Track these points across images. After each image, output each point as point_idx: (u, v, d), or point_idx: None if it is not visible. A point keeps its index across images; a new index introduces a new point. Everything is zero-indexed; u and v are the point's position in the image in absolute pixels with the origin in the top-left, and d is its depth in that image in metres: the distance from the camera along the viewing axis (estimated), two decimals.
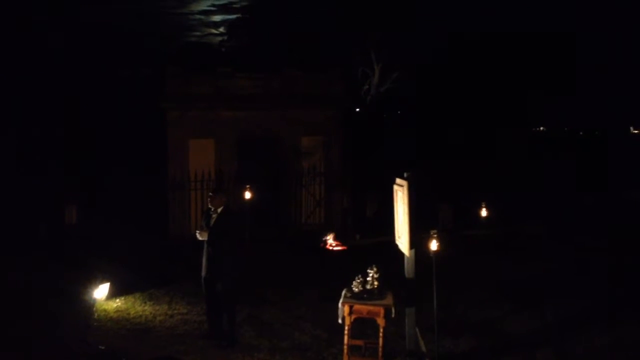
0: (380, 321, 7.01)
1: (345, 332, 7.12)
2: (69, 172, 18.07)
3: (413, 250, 7.20)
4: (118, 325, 8.74)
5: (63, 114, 23.85)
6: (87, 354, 7.65)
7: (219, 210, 7.86)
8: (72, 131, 22.37)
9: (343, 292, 7.30)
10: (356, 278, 7.27)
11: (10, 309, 9.07)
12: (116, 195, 16.39)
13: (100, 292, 9.68)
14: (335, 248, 14.36)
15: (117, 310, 9.37)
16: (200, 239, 7.84)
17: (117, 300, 9.82)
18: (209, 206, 8.01)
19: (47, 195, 15.78)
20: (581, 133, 30.54)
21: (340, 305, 7.19)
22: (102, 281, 9.75)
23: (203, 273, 7.89)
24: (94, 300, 9.53)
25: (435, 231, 7.18)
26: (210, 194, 8.18)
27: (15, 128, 23.49)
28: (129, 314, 9.24)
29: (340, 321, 7.25)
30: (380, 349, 7.05)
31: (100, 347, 7.75)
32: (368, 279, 7.25)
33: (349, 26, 24.32)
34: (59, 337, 8.15)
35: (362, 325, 7.82)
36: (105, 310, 9.35)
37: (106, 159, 19.78)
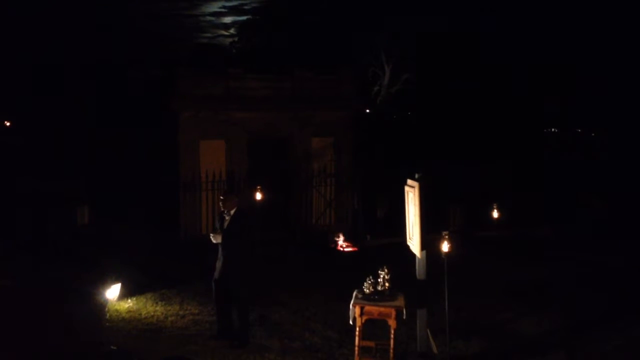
0: (392, 322, 7.01)
1: (356, 333, 7.12)
2: (80, 172, 18.18)
3: (424, 252, 7.20)
4: (130, 326, 8.78)
5: (74, 114, 24.02)
6: (99, 354, 7.69)
7: (232, 212, 7.87)
8: (83, 131, 22.52)
9: (354, 293, 7.30)
10: (367, 279, 7.27)
11: (21, 309, 9.13)
12: (128, 195, 16.46)
13: (112, 292, 9.73)
14: (345, 249, 14.35)
15: (129, 311, 9.41)
16: (214, 242, 7.85)
17: (129, 300, 9.87)
18: (221, 209, 8.02)
19: (59, 195, 15.87)
20: (593, 134, 30.32)
21: (351, 306, 7.20)
22: (114, 281, 9.80)
23: (216, 275, 7.90)
24: (106, 300, 9.57)
25: (446, 232, 7.17)
26: (222, 196, 8.16)
27: (27, 128, 23.70)
28: (140, 314, 9.29)
29: (351, 322, 7.26)
30: (391, 350, 7.04)
31: (112, 347, 7.78)
32: (379, 280, 7.25)
33: (359, 26, 24.34)
34: (71, 337, 8.19)
35: (373, 327, 7.81)
36: (117, 310, 9.40)
37: (118, 159, 19.88)
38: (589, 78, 25.60)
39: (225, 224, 7.86)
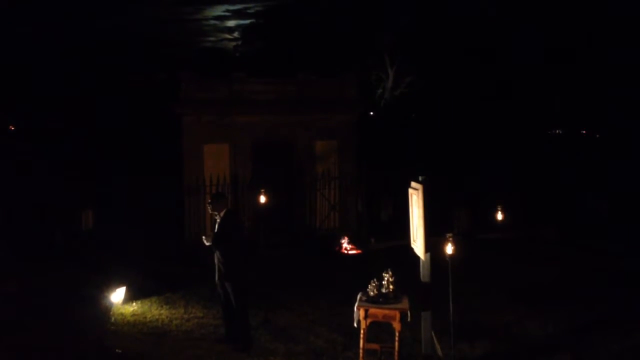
0: (396, 325, 6.99)
1: (361, 336, 7.11)
2: (85, 177, 18.21)
3: (428, 254, 7.20)
4: (135, 329, 8.79)
5: (79, 119, 24.09)
6: (104, 358, 7.70)
7: (222, 214, 7.89)
8: (88, 136, 22.58)
9: (358, 296, 7.30)
10: (371, 282, 7.27)
11: (28, 313, 9.16)
12: (132, 199, 16.50)
13: (117, 296, 9.75)
14: (350, 252, 14.35)
15: (133, 314, 9.42)
16: (206, 244, 7.87)
17: (134, 304, 9.88)
18: (210, 212, 8.04)
19: (63, 200, 15.92)
20: (598, 135, 30.24)
21: (355, 309, 7.19)
22: (119, 285, 9.82)
23: (216, 278, 7.93)
24: (111, 304, 9.61)
25: (450, 235, 7.16)
26: (209, 200, 8.18)
27: (33, 132, 23.77)
28: (145, 317, 9.29)
29: (355, 325, 7.25)
30: (396, 353, 7.03)
31: (117, 350, 7.80)
32: (383, 282, 7.25)
33: (363, 28, 24.37)
34: (76, 341, 8.21)
35: (378, 329, 7.81)
36: (122, 314, 9.41)
37: (122, 163, 19.92)
38: (591, 79, 25.59)
39: (216, 226, 7.89)
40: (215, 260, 7.87)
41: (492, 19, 25.24)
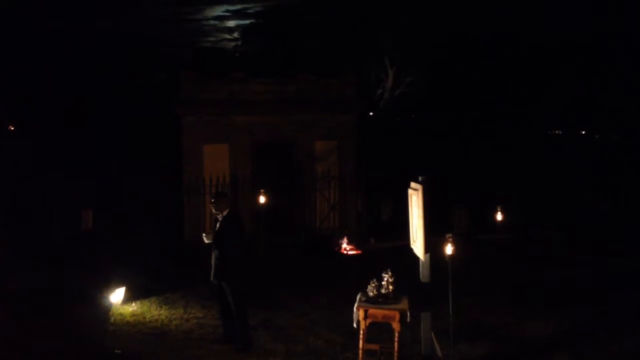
0: (396, 325, 6.99)
1: (361, 336, 7.11)
2: (85, 176, 18.21)
3: (428, 255, 7.19)
4: (134, 330, 8.78)
5: (80, 119, 24.08)
6: (104, 358, 7.70)
7: (224, 213, 7.87)
8: (88, 136, 22.57)
9: (358, 296, 7.29)
10: (371, 282, 7.27)
11: (27, 313, 9.16)
12: (132, 199, 16.50)
13: (117, 296, 9.75)
14: (349, 252, 14.34)
15: (133, 315, 9.42)
16: (206, 241, 7.86)
17: (133, 304, 9.88)
18: (213, 211, 8.03)
19: (63, 200, 15.91)
20: (597, 136, 30.28)
21: (355, 309, 7.19)
22: (118, 285, 9.82)
23: (212, 277, 7.91)
24: (110, 304, 9.60)
25: (450, 235, 7.16)
26: (212, 199, 8.15)
27: (32, 132, 23.77)
28: (144, 318, 9.29)
29: (355, 325, 7.24)
30: (395, 353, 7.03)
31: (116, 351, 7.80)
32: (383, 283, 7.25)
33: (363, 29, 24.35)
34: (76, 340, 8.21)
35: (378, 330, 7.81)
36: (121, 314, 9.40)
37: (122, 163, 19.92)
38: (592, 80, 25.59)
39: (218, 225, 7.88)
40: (213, 259, 7.86)
41: (492, 18, 25.24)
